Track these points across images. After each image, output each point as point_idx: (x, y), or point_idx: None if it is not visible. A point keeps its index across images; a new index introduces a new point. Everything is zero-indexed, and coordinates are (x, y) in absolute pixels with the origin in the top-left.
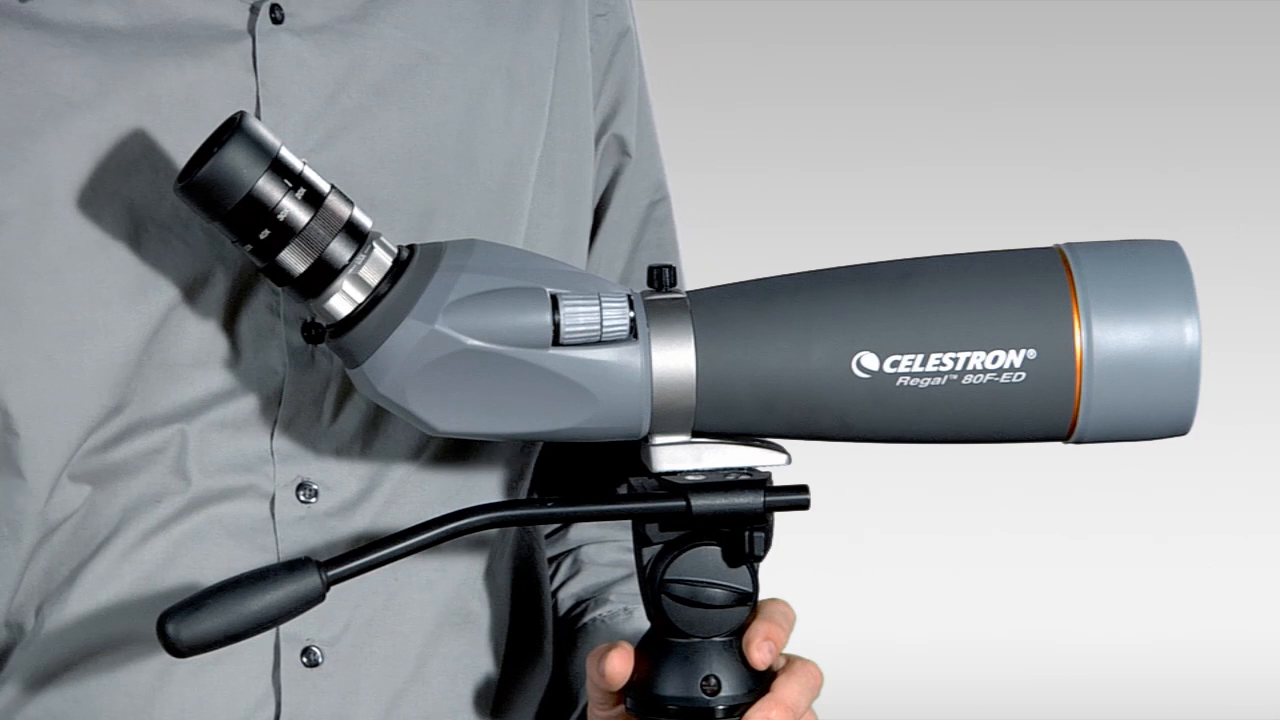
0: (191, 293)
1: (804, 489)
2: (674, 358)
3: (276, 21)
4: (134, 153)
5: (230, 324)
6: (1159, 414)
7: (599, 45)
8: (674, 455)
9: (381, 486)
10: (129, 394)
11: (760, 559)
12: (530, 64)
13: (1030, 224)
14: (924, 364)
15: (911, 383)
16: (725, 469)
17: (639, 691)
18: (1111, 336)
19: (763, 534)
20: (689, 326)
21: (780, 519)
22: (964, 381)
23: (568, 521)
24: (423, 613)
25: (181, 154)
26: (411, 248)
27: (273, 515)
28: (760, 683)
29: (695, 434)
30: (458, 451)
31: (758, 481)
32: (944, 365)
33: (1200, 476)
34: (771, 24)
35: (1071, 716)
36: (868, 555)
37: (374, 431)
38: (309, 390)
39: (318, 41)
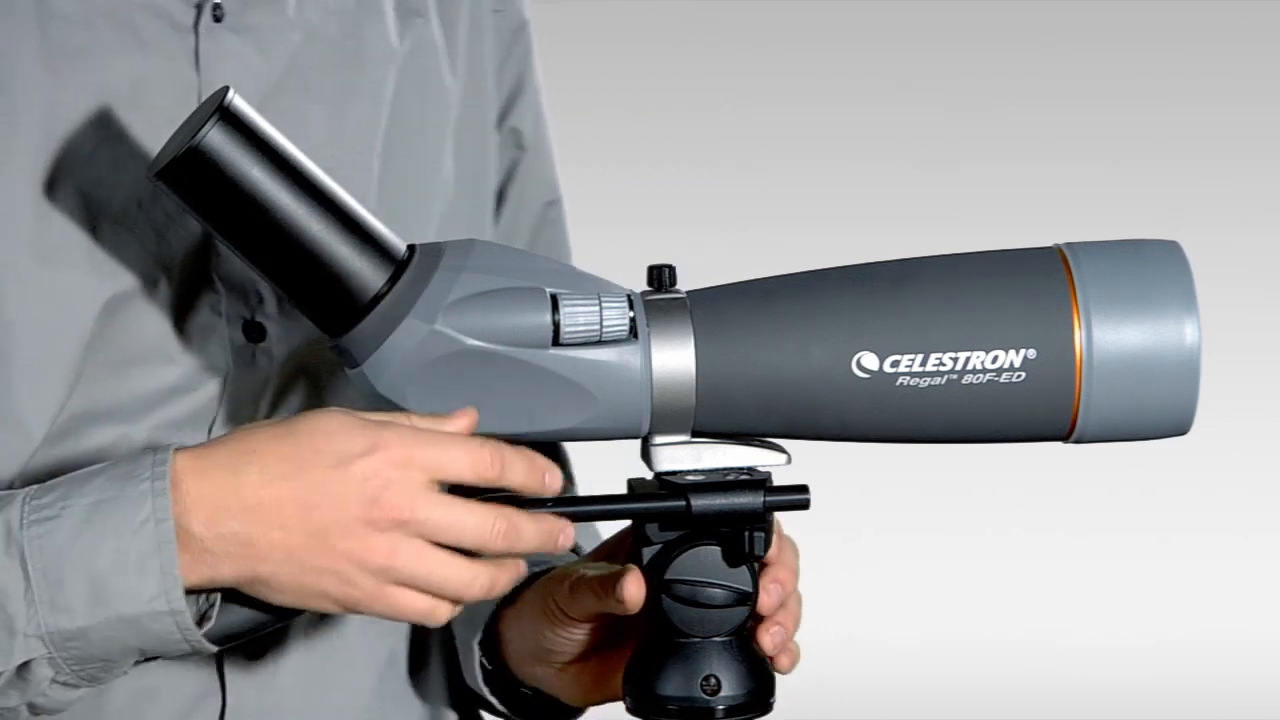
0: (139, 289)
1: (804, 489)
2: (674, 357)
3: (217, 20)
4: (87, 145)
5: (176, 322)
6: (1159, 414)
7: (498, 39)
8: (674, 455)
9: None
10: (76, 387)
11: (760, 559)
12: (441, 63)
13: (1031, 224)
14: (924, 364)
15: (911, 382)
16: (725, 469)
17: (638, 691)
18: (1111, 336)
19: (763, 534)
20: (689, 326)
21: (779, 519)
22: (964, 381)
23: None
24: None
25: (129, 147)
26: (412, 247)
27: None
28: (760, 682)
29: (695, 434)
30: None
31: (757, 481)
32: (944, 365)
33: (1200, 476)
34: (772, 24)
35: (1072, 717)
36: (866, 555)
37: None
38: (249, 390)
39: (256, 40)
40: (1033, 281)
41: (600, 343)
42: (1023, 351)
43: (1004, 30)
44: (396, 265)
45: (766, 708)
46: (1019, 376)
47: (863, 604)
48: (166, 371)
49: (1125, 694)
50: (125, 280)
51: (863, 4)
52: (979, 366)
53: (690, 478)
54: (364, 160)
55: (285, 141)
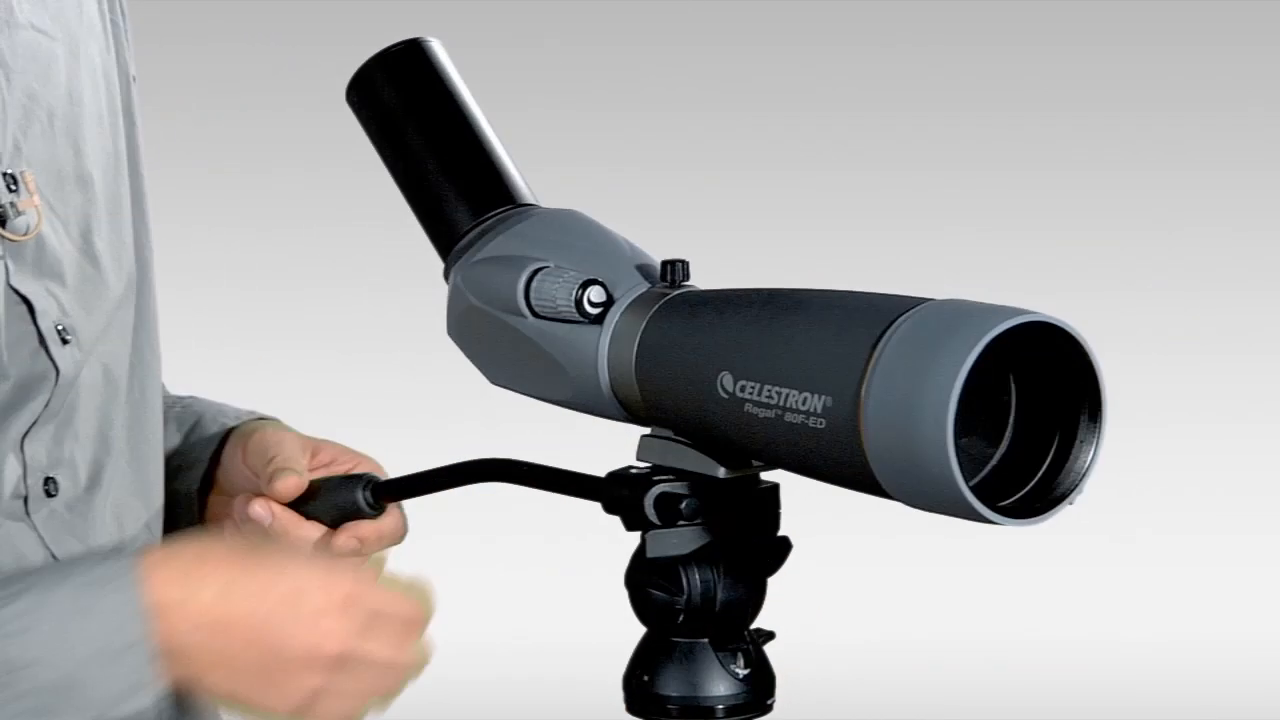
0: None
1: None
2: (623, 348)
3: None
4: None
5: (4, 339)
6: (936, 493)
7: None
8: (647, 446)
9: (100, 478)
10: None
11: (653, 563)
12: (105, 46)
13: (1033, 226)
14: (759, 393)
15: (754, 410)
16: (668, 468)
17: (636, 689)
18: (881, 398)
19: (655, 532)
20: (644, 321)
21: (784, 520)
22: (786, 419)
23: (530, 485)
24: None
25: None
26: (524, 205)
27: (28, 512)
28: (757, 685)
29: (678, 430)
30: (136, 450)
31: (595, 481)
32: (772, 399)
33: (1199, 476)
34: (773, 24)
35: (1071, 717)
36: (866, 556)
37: (106, 430)
38: (65, 393)
39: (7, 45)
40: (854, 329)
41: (567, 320)
42: (822, 398)
43: (1004, 32)
44: (490, 216)
45: (764, 709)
46: (820, 423)
47: (863, 605)
48: (1, 389)
49: (1125, 694)
50: None
51: (863, 5)
52: (795, 406)
53: (634, 470)
54: (104, 140)
55: (449, 88)
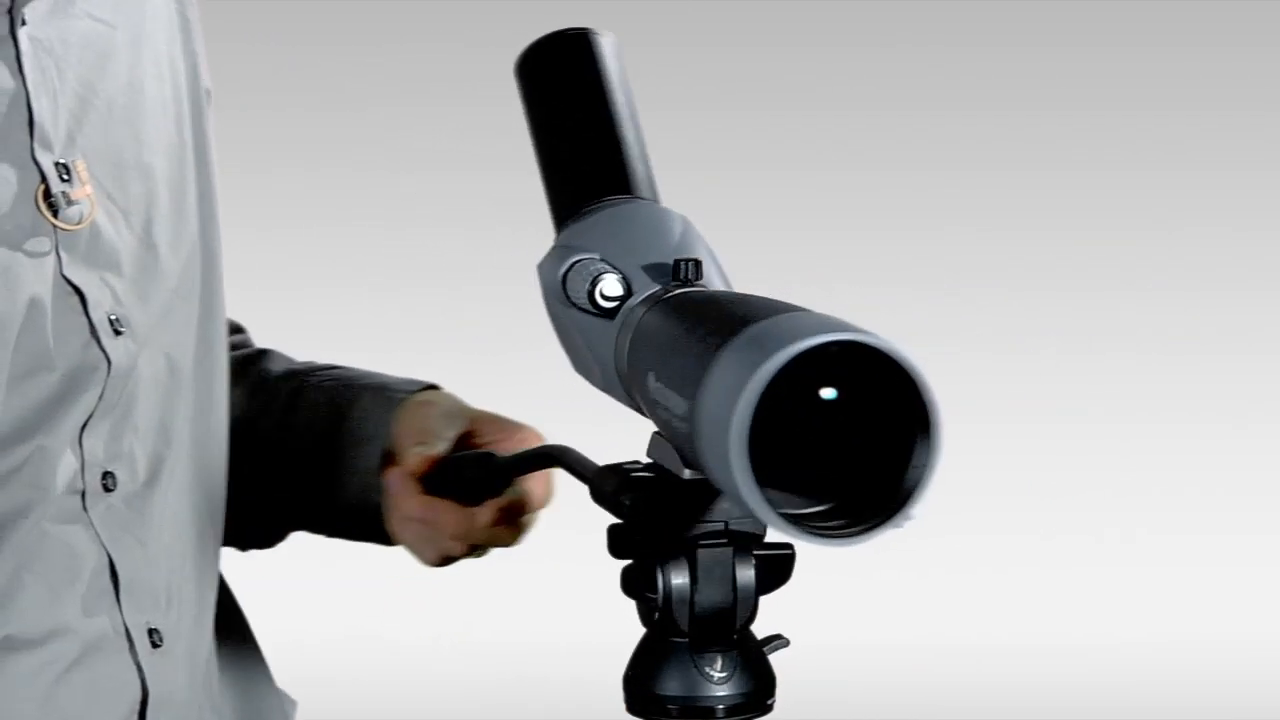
0: (12, 305)
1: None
2: (624, 344)
3: (22, 24)
4: None
5: (52, 329)
6: (751, 505)
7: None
8: (654, 442)
9: (159, 472)
10: None
11: (638, 561)
12: (171, 36)
13: (1032, 226)
14: (663, 395)
15: (660, 411)
16: (657, 465)
17: (636, 689)
18: (707, 408)
19: (617, 526)
20: (639, 318)
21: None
22: (673, 423)
23: (567, 470)
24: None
25: None
26: (625, 198)
27: (85, 508)
28: (758, 684)
29: None
30: (199, 444)
31: (604, 473)
32: (666, 400)
33: (1199, 476)
34: (773, 24)
35: (1071, 718)
36: (864, 558)
37: (168, 422)
38: (120, 384)
39: (60, 37)
40: (711, 337)
41: (589, 312)
42: (685, 403)
43: (1003, 32)
44: (591, 206)
45: (764, 709)
46: (685, 426)
47: (863, 606)
48: (51, 380)
49: (1124, 695)
50: (21, 297)
51: (863, 5)
52: (674, 409)
53: (624, 465)
54: (168, 129)
55: (599, 78)
